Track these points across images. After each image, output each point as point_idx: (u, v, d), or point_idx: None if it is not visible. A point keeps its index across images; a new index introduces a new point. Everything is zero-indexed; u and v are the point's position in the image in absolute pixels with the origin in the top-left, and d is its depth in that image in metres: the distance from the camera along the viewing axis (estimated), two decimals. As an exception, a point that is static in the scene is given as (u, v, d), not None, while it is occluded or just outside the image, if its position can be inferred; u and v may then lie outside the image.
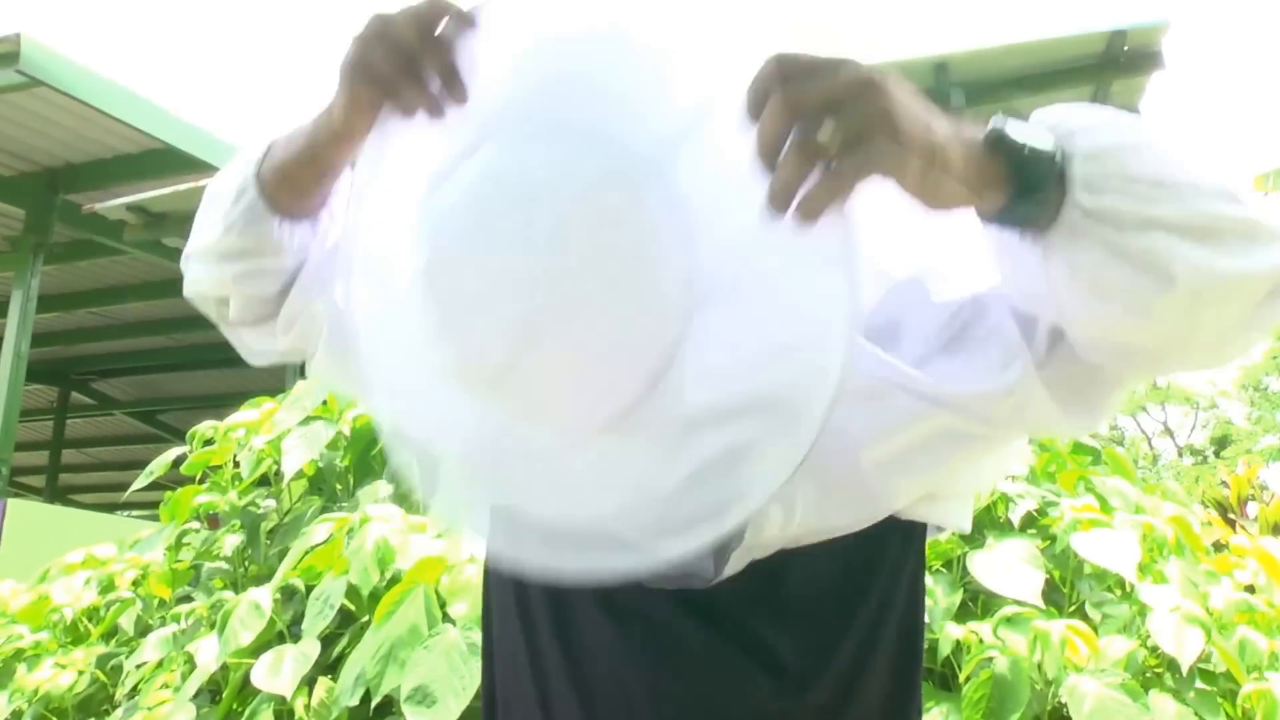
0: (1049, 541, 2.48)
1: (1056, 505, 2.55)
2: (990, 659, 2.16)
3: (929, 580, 2.39)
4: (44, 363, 9.08)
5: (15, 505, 6.83)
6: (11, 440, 6.99)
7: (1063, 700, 2.10)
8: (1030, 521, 2.55)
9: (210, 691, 2.58)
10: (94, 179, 7.18)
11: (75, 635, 3.21)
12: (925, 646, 2.18)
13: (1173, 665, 2.26)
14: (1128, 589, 2.46)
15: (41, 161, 7.14)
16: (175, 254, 6.93)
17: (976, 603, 2.42)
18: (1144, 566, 2.46)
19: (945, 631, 2.27)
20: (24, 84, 5.89)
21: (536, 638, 0.99)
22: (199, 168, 6.67)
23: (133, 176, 6.98)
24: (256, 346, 1.08)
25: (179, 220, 6.55)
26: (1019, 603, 2.26)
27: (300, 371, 3.25)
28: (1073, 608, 2.44)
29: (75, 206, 7.23)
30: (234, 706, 2.45)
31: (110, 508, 8.86)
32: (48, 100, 6.16)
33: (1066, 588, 2.47)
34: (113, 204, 6.47)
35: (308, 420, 2.87)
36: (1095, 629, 2.31)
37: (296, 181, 0.96)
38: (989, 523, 2.54)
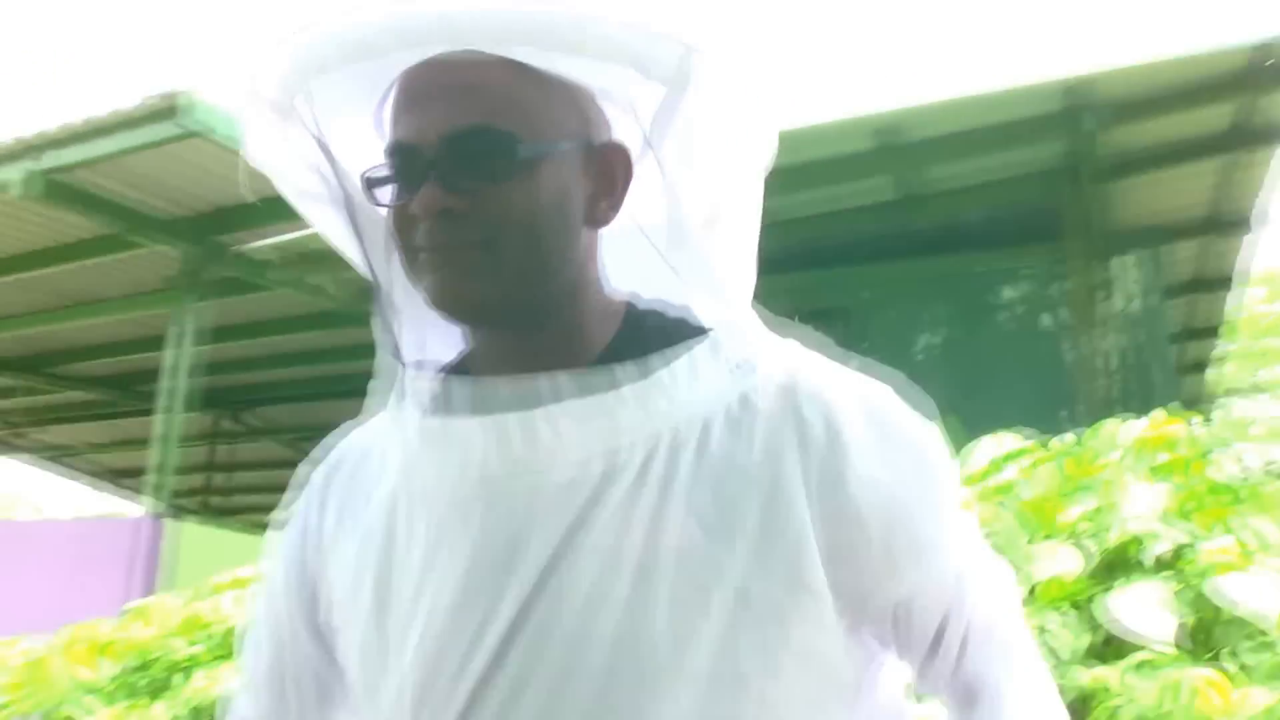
0: (1184, 585, 2.30)
1: (1193, 547, 2.38)
2: (1117, 708, 2.03)
3: (1055, 621, 2.28)
4: (199, 392, 9.41)
5: (177, 526, 7.07)
6: (173, 462, 7.26)
7: (1195, 756, 1.92)
8: (1164, 564, 2.37)
9: None
10: (243, 221, 7.35)
11: (224, 650, 3.26)
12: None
13: (1323, 724, 2.09)
14: (1270, 638, 2.24)
15: (195, 206, 7.37)
16: (317, 290, 7.11)
17: (1107, 647, 2.25)
18: (1289, 614, 2.26)
19: (1072, 677, 2.14)
20: (181, 135, 6.12)
21: None
22: (341, 207, 6.85)
23: (278, 218, 7.09)
24: None
25: (319, 259, 6.71)
26: (1151, 649, 2.11)
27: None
28: (1208, 655, 2.25)
29: (225, 247, 7.46)
30: None
31: (259, 527, 9.08)
32: (201, 150, 6.36)
33: (1203, 634, 2.28)
34: (259, 245, 6.62)
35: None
36: (1232, 679, 2.11)
37: None
38: (1120, 564, 2.40)
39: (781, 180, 4.03)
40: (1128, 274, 5.17)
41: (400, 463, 0.95)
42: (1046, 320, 5.35)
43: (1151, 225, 5.22)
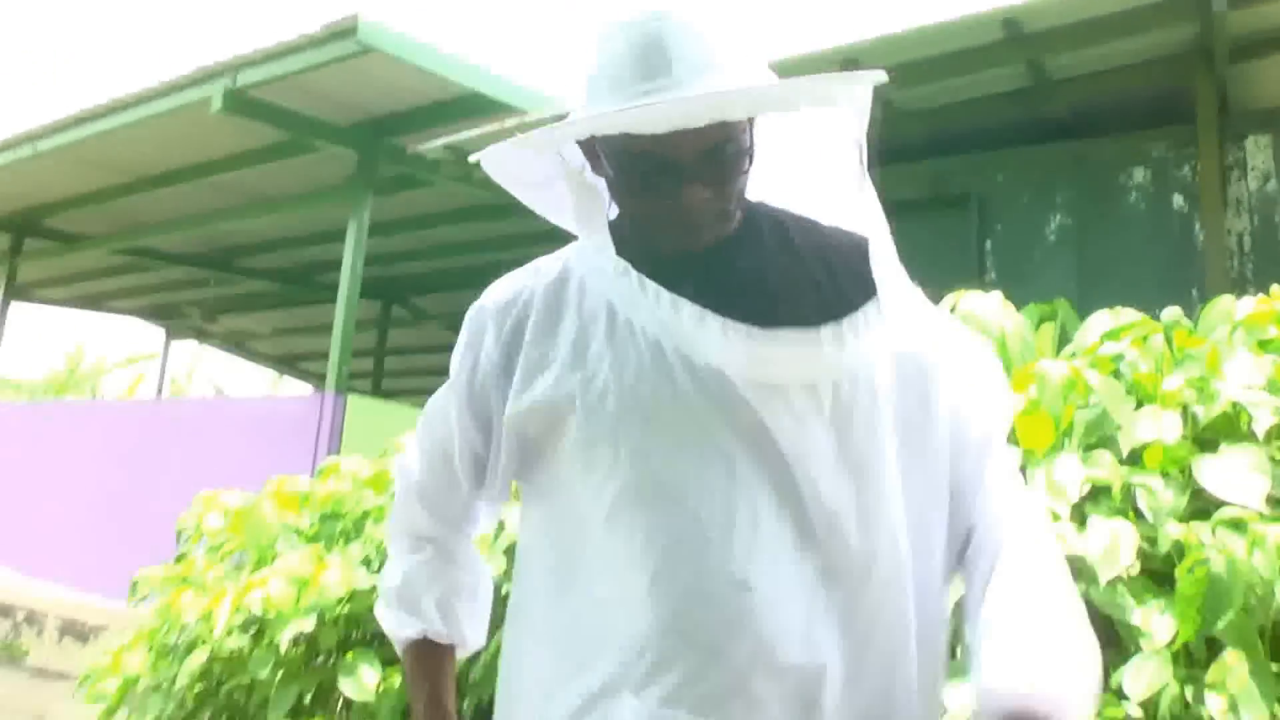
0: None
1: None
2: (1207, 559, 2.06)
3: (1157, 483, 2.36)
4: (370, 281, 9.87)
5: (354, 400, 7.53)
6: (350, 346, 7.67)
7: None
8: (1272, 435, 2.36)
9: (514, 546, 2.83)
10: (414, 124, 7.66)
11: None
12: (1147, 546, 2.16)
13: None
14: None
15: (371, 111, 7.69)
16: (482, 185, 7.37)
17: (1205, 509, 2.29)
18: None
19: (1165, 531, 2.22)
20: (359, 52, 6.46)
21: None
22: (501, 109, 7.08)
23: (446, 119, 7.40)
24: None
25: (485, 158, 6.95)
26: (1243, 508, 2.16)
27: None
28: None
29: (398, 148, 7.75)
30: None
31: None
32: (377, 63, 6.68)
33: None
34: (430, 145, 6.91)
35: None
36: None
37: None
38: (1228, 432, 2.44)
39: (917, 73, 4.16)
40: (1259, 155, 5.02)
41: (623, 299, 1.25)
42: (1178, 201, 5.20)
43: (1283, 107, 5.07)
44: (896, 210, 5.46)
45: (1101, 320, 3.01)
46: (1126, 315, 2.98)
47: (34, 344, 19.16)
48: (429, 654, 1.46)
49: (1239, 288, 4.77)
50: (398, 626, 1.46)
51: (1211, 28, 4.52)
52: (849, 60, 5.16)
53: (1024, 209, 5.57)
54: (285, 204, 9.46)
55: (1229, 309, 2.95)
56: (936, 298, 3.07)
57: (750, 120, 1.23)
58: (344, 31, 6.33)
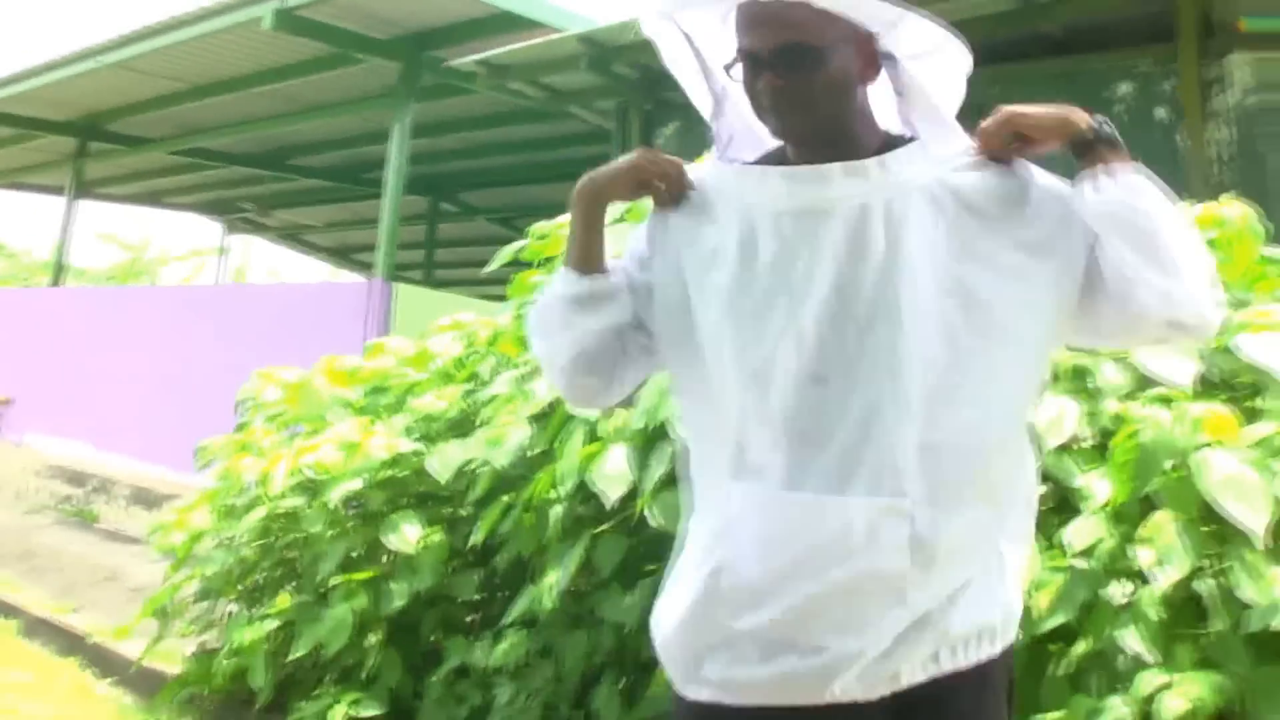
0: (1219, 343, 2.38)
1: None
2: (1138, 430, 2.19)
3: (1108, 366, 2.51)
4: (419, 178, 10.00)
5: (401, 288, 7.76)
6: (396, 237, 7.91)
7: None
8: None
9: (541, 419, 3.02)
10: (449, 38, 7.86)
11: (447, 377, 3.73)
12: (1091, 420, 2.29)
13: (1312, 450, 2.13)
14: None
15: (410, 27, 7.88)
16: (516, 93, 7.48)
17: (1143, 388, 2.41)
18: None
19: (1105, 406, 2.37)
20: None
21: None
22: (530, 25, 7.22)
23: (482, 34, 7.58)
24: (596, 395, 1.52)
25: (518, 70, 7.05)
26: (1174, 386, 2.28)
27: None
28: (1224, 398, 2.37)
29: (436, 60, 7.93)
30: (558, 429, 2.92)
31: (473, 294, 9.83)
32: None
33: (1240, 387, 2.43)
34: (465, 60, 7.05)
35: (620, 219, 3.02)
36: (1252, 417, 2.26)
37: (587, 247, 1.46)
38: None
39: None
40: (1239, 71, 5.04)
41: (753, 192, 1.40)
42: (1161, 114, 5.24)
43: (1267, 33, 5.07)
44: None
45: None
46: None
47: (100, 240, 19.41)
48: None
49: (1219, 193, 4.86)
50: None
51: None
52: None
53: (1020, 118, 5.69)
54: (333, 109, 9.62)
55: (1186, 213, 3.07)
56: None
57: (844, 31, 1.36)
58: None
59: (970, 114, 5.03)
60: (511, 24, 7.31)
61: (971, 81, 5.11)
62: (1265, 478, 2.06)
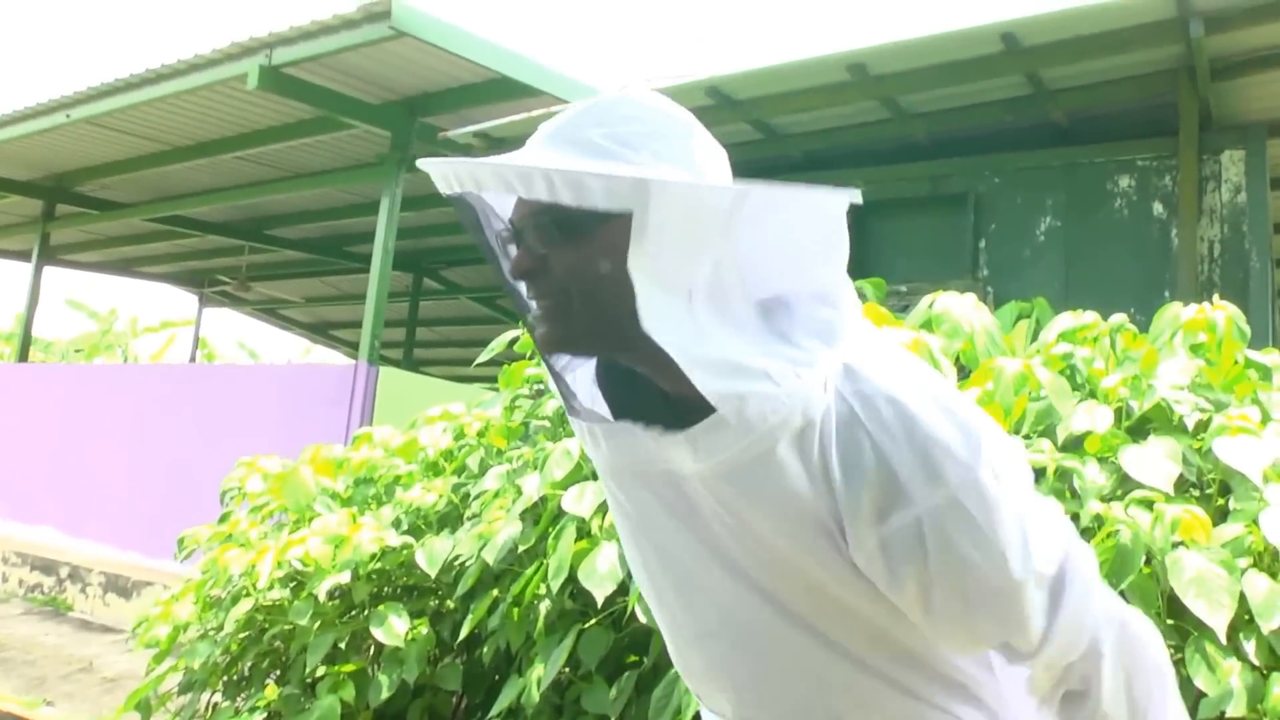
0: (1202, 445, 2.67)
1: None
2: (1117, 531, 2.40)
3: (1092, 468, 2.75)
4: (402, 254, 10.13)
5: (385, 371, 7.95)
6: (382, 318, 8.03)
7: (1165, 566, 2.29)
8: (1203, 426, 2.74)
9: (531, 513, 3.28)
10: (444, 104, 8.06)
11: (435, 469, 4.00)
12: (1073, 521, 2.54)
13: (1276, 554, 2.42)
14: (1258, 491, 2.53)
15: (403, 92, 8.08)
16: (509, 169, 7.79)
17: (1126, 489, 2.63)
18: (1281, 474, 2.55)
19: (1087, 507, 2.56)
20: (392, 36, 6.83)
21: None
22: (529, 93, 7.45)
23: (477, 101, 7.80)
24: None
25: (514, 143, 7.31)
26: (1156, 489, 2.50)
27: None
28: (1199, 498, 2.64)
29: (430, 128, 8.13)
30: (548, 525, 3.19)
31: (455, 378, 10.04)
32: (409, 45, 7.07)
33: (1211, 486, 2.67)
34: (462, 131, 7.27)
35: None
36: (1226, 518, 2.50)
37: None
38: (1163, 424, 2.84)
39: (922, 79, 4.67)
40: (1233, 168, 5.38)
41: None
42: (1157, 209, 5.53)
43: (1259, 122, 5.41)
44: (900, 207, 5.99)
45: (1064, 321, 3.42)
46: (1087, 317, 3.39)
47: (68, 306, 19.70)
48: None
49: (1206, 291, 5.17)
50: None
51: (1192, 48, 4.88)
52: (856, 65, 5.57)
53: (1017, 210, 5.97)
54: (319, 178, 9.85)
55: (1176, 314, 3.37)
56: (931, 290, 3.51)
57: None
58: (378, 14, 6.69)
59: (966, 203, 5.44)
60: (509, 91, 7.54)
61: (974, 168, 5.54)
62: (1233, 576, 2.30)
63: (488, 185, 1.07)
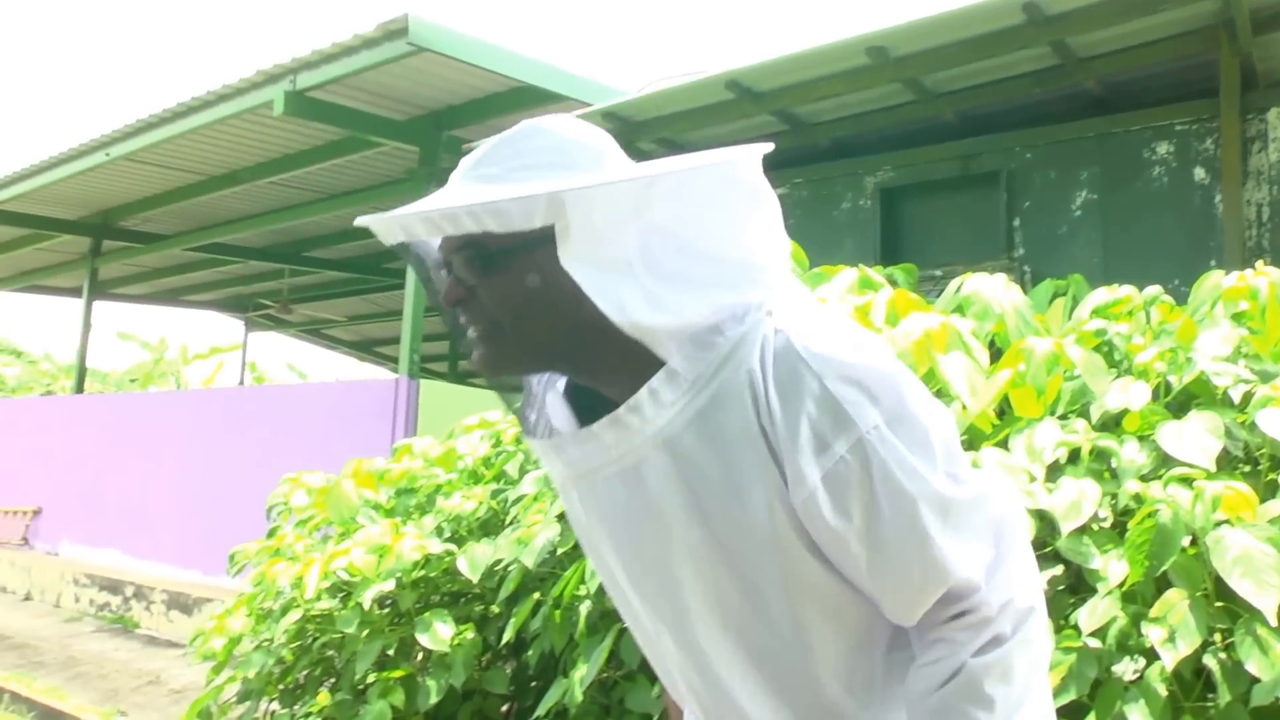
0: (1247, 418, 2.57)
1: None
2: (1156, 510, 2.31)
3: (1132, 445, 2.68)
4: None
5: (426, 384, 8.05)
6: (420, 332, 8.13)
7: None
8: (1249, 399, 2.61)
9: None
10: (469, 115, 8.10)
11: (475, 477, 4.02)
12: (1111, 501, 2.46)
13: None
14: None
15: (428, 106, 8.13)
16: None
17: (1166, 467, 2.53)
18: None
19: (1126, 487, 2.49)
20: (412, 52, 6.86)
21: None
22: (553, 99, 7.45)
23: (500, 110, 7.82)
24: None
25: (540, 150, 7.33)
26: (1197, 466, 2.40)
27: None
28: (1247, 474, 2.53)
29: (456, 140, 8.18)
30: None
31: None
32: (430, 60, 7.09)
33: (1262, 461, 2.56)
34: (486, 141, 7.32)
35: None
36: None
37: None
38: (1206, 397, 2.73)
39: (945, 56, 4.56)
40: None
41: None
42: (1199, 174, 5.36)
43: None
44: (930, 189, 5.89)
45: (1099, 296, 3.34)
46: (1122, 291, 3.31)
47: (120, 338, 20.11)
48: None
49: (1255, 258, 5.00)
50: None
51: (1230, 2, 4.71)
52: (876, 48, 5.50)
53: (1051, 185, 5.85)
54: (351, 197, 9.97)
55: (1216, 283, 3.26)
56: (963, 273, 3.43)
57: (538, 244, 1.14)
58: (395, 32, 6.73)
59: (998, 181, 5.32)
60: (532, 98, 7.54)
61: (1005, 145, 5.44)
62: (1280, 555, 2.20)
63: (419, 232, 1.12)
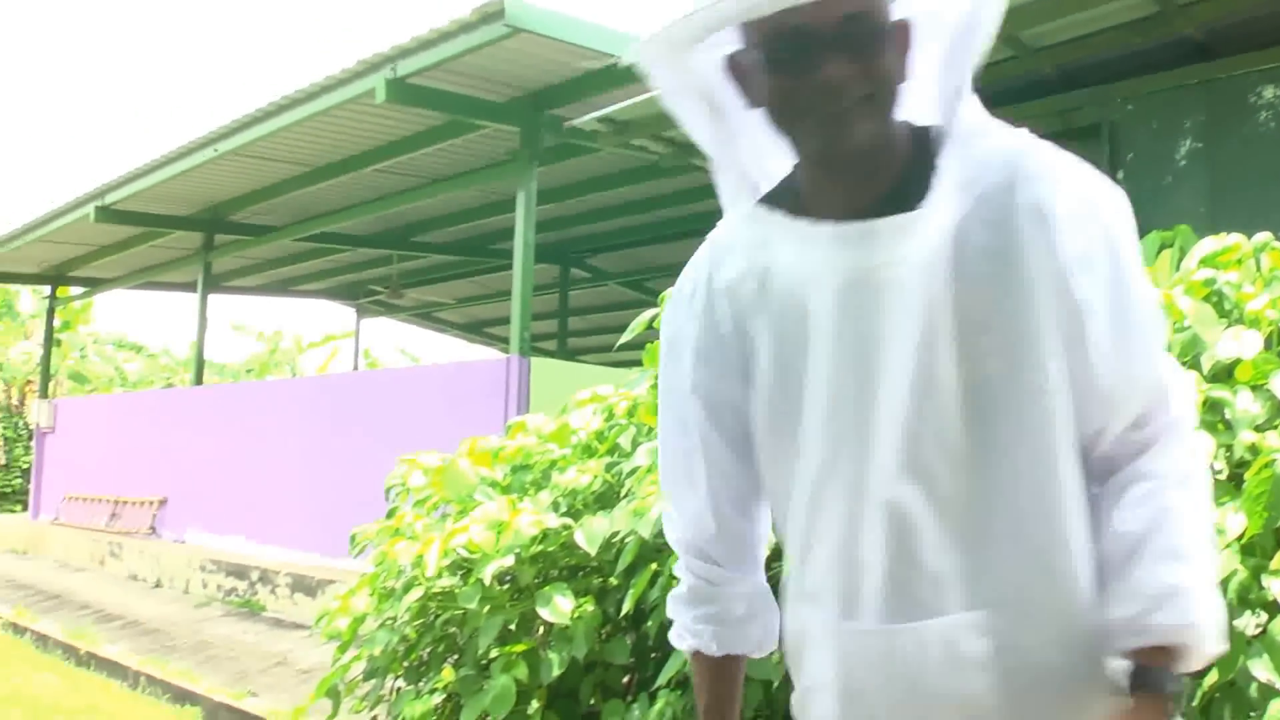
0: None
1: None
2: (1274, 461, 2.29)
3: (1246, 395, 2.68)
4: (547, 246, 10.37)
5: (537, 362, 8.22)
6: (529, 311, 8.28)
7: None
8: None
9: None
10: (569, 94, 8.18)
11: (589, 451, 4.13)
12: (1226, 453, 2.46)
13: None
14: None
15: (527, 87, 8.23)
16: (640, 149, 7.85)
17: None
18: None
19: (1240, 438, 2.50)
20: (509, 34, 6.98)
21: None
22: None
23: (600, 87, 7.87)
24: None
25: (640, 125, 7.37)
26: None
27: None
28: None
29: (557, 119, 8.27)
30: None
31: (609, 364, 10.25)
32: (527, 41, 7.20)
33: None
34: (587, 118, 7.35)
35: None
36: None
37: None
38: None
39: (1043, 10, 4.48)
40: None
41: (793, 263, 1.31)
42: None
43: None
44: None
45: (1207, 245, 3.31)
46: (1231, 239, 3.28)
47: (234, 330, 20.90)
48: (705, 665, 1.54)
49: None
50: (676, 638, 1.57)
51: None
52: (975, 6, 5.43)
53: (1154, 136, 5.75)
54: (455, 181, 10.17)
55: (1331, 227, 3.21)
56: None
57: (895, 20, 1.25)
58: (492, 14, 6.85)
59: (1100, 134, 5.23)
60: (631, 73, 7.56)
61: (1105, 97, 5.35)
62: None
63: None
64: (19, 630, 7.78)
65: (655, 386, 3.90)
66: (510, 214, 8.75)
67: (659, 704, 3.23)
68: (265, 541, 9.77)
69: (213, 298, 13.85)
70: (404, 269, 14.41)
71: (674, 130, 7.50)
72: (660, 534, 3.34)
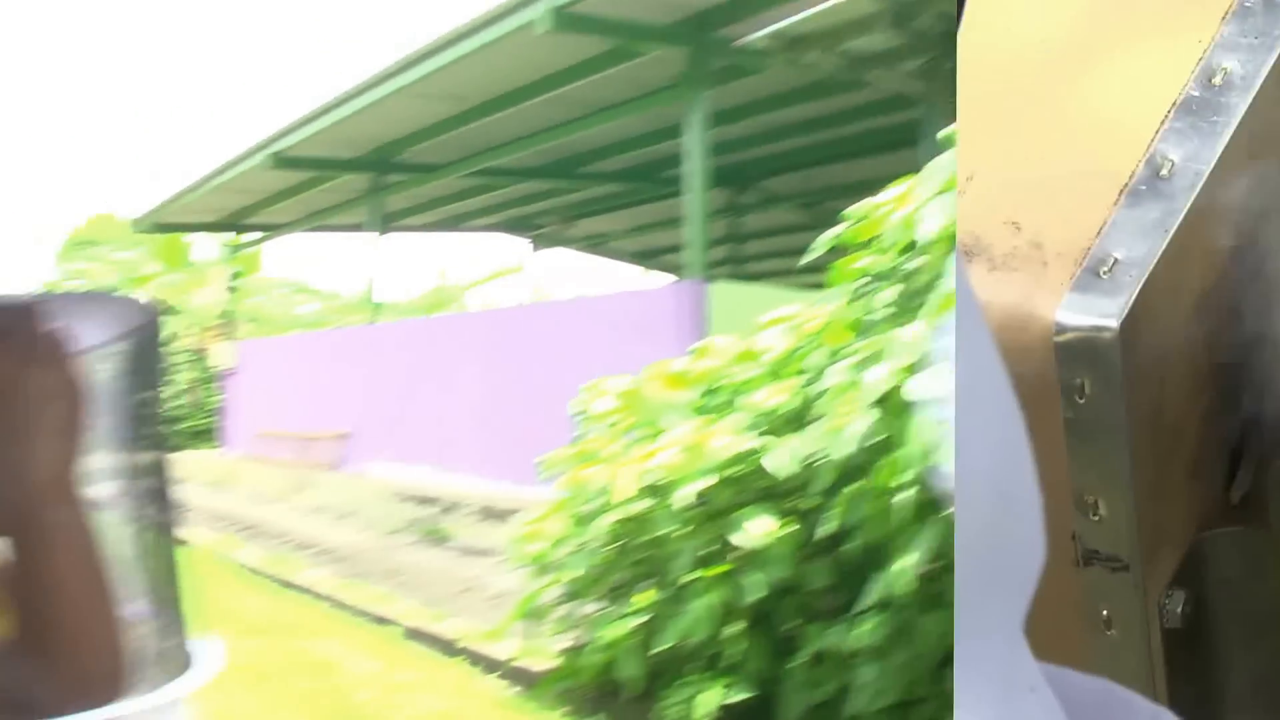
0: None
1: None
2: None
3: None
4: (716, 170, 10.31)
5: (716, 286, 8.20)
6: (705, 234, 8.29)
7: None
8: None
9: (880, 405, 3.30)
10: (737, 12, 7.99)
11: (774, 373, 4.11)
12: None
13: None
14: None
15: (693, 7, 8.09)
16: (811, 67, 7.69)
17: None
18: None
19: None
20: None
21: None
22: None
23: (769, 2, 7.59)
24: None
25: (813, 39, 7.17)
26: None
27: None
28: None
29: (724, 39, 8.12)
30: (897, 414, 3.22)
31: (786, 286, 10.17)
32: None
33: None
34: (757, 35, 7.21)
35: (940, 192, 3.25)
36: None
37: None
38: None
39: None
40: None
41: None
42: None
43: None
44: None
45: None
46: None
47: (403, 271, 21.56)
48: None
49: None
50: None
51: None
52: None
53: None
54: (621, 109, 10.17)
55: None
56: None
57: None
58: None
59: None
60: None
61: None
62: None
63: None
64: (223, 557, 8.28)
65: (847, 302, 3.87)
66: (677, 140, 8.70)
67: (862, 627, 3.23)
68: (451, 470, 10.11)
69: (384, 238, 14.25)
70: (573, 200, 14.53)
71: (850, 41, 7.32)
72: (856, 454, 3.32)
